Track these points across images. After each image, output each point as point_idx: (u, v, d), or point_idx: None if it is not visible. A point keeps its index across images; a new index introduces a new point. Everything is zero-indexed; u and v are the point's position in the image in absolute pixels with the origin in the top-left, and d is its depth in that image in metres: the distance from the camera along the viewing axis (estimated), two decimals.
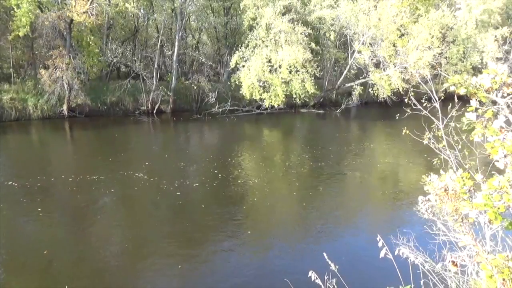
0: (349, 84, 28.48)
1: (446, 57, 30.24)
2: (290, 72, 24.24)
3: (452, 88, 3.25)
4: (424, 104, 4.45)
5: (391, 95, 25.70)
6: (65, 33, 22.92)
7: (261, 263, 7.69)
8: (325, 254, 4.03)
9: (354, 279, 5.57)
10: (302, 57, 23.51)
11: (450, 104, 4.05)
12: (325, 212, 10.24)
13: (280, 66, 24.36)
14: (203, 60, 30.11)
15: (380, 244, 3.58)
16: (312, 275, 3.66)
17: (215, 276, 7.22)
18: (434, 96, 4.39)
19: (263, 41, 24.84)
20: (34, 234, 8.90)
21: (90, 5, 21.47)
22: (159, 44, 27.53)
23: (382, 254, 3.53)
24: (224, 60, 30.43)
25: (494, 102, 3.15)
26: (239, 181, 12.46)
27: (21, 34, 20.66)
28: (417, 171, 13.23)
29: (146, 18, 31.05)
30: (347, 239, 8.87)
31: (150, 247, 8.27)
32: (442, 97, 4.30)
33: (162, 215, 10.08)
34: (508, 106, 3.12)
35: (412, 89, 6.13)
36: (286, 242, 8.49)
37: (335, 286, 3.73)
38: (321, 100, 29.24)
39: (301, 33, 24.07)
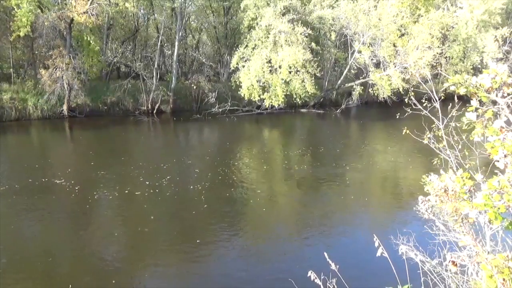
0: (349, 84, 28.48)
1: (447, 57, 30.24)
2: (290, 73, 24.21)
3: (452, 88, 3.25)
4: (424, 104, 4.46)
5: (391, 95, 25.70)
6: (65, 33, 22.92)
7: (262, 263, 7.69)
8: (325, 254, 4.03)
9: (354, 278, 5.57)
10: (302, 57, 23.48)
11: (450, 104, 4.05)
12: (325, 212, 10.24)
13: (280, 67, 24.33)
14: (203, 60, 30.09)
15: (376, 244, 3.58)
16: (312, 274, 3.65)
17: (219, 276, 7.22)
18: (434, 96, 4.39)
19: (262, 42, 24.82)
20: (34, 234, 8.89)
21: (90, 5, 21.49)
22: (159, 44, 27.52)
23: (378, 254, 3.53)
24: (224, 60, 30.41)
25: (494, 102, 3.15)
26: (240, 181, 12.46)
27: (21, 34, 20.67)
28: (417, 171, 13.23)
29: (146, 18, 31.06)
30: (348, 239, 8.87)
31: (154, 245, 8.27)
32: (442, 97, 4.30)
33: (163, 214, 10.07)
34: (508, 106, 3.12)
35: (412, 89, 6.13)
36: (286, 242, 8.49)
37: (335, 286, 3.73)
38: (321, 100, 29.22)
39: (301, 33, 24.05)
